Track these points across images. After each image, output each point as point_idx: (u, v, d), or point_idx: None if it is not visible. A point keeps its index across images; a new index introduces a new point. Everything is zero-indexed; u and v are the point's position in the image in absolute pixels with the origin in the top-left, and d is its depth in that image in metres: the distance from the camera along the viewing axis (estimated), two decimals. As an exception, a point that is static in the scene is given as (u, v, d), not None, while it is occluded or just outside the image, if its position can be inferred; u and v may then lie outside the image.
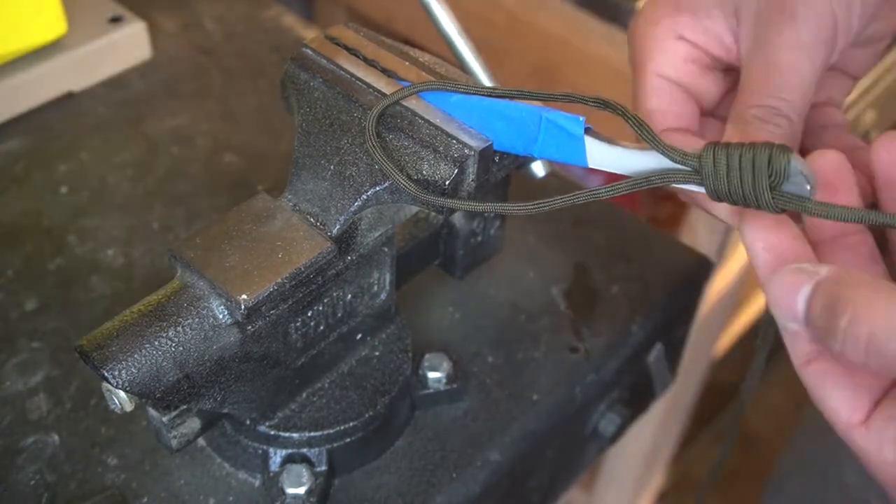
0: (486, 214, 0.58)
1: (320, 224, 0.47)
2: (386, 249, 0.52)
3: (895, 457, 0.34)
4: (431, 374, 0.58)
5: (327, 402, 0.54)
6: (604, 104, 0.41)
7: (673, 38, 0.46)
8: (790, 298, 0.35)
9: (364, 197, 0.46)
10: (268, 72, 0.83)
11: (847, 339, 0.33)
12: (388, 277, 0.54)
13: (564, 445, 0.65)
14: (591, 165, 0.42)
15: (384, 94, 0.47)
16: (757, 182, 0.37)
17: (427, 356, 0.59)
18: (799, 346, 0.37)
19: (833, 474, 0.83)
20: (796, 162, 0.37)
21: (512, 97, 0.44)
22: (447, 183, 0.44)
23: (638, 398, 0.71)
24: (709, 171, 0.38)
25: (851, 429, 0.35)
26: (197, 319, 0.44)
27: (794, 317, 0.35)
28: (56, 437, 0.56)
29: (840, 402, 0.35)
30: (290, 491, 0.52)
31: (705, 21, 0.45)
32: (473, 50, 0.56)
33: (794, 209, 0.37)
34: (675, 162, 0.39)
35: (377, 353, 0.56)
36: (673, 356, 0.72)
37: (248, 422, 0.52)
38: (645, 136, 0.39)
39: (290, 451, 0.53)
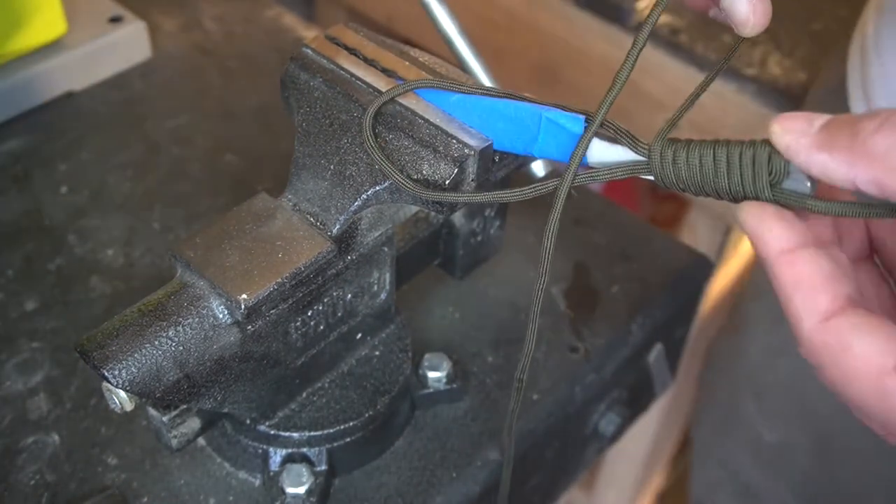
0: (486, 214, 0.58)
1: (320, 224, 0.47)
2: (386, 249, 0.52)
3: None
4: (431, 374, 0.58)
5: (327, 402, 0.54)
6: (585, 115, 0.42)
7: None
8: (805, 122, 0.34)
9: (364, 197, 0.46)
10: (268, 72, 0.83)
11: (875, 148, 0.31)
12: (388, 277, 0.54)
13: (564, 445, 0.65)
14: (592, 165, 0.42)
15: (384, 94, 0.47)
16: (757, 178, 0.37)
17: (427, 356, 0.59)
18: (780, 231, 0.36)
19: (734, 407, 0.87)
20: None
21: (501, 97, 0.45)
22: (447, 182, 0.44)
23: (638, 398, 0.71)
24: (655, 163, 0.40)
25: (885, 376, 0.33)
26: (197, 319, 0.44)
27: (806, 133, 0.34)
28: (56, 437, 0.56)
29: (871, 347, 0.33)
30: (290, 490, 0.52)
31: None
32: (473, 50, 0.56)
33: (794, 206, 0.37)
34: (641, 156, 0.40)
35: (377, 353, 0.56)
36: (673, 356, 0.72)
37: (248, 421, 0.52)
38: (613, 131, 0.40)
39: (290, 450, 0.53)
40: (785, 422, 0.83)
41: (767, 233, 0.36)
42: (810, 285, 0.35)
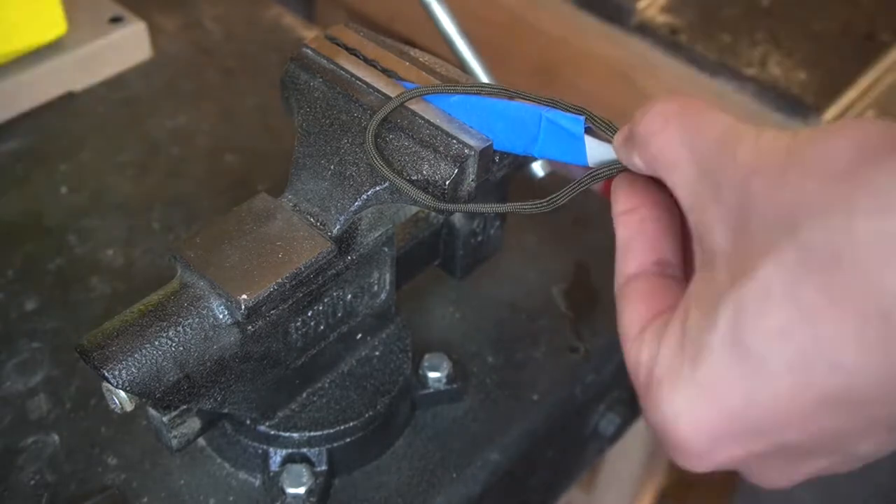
0: (486, 214, 0.58)
1: (320, 224, 0.47)
2: (386, 249, 0.52)
3: (647, 354, 0.34)
4: (431, 374, 0.58)
5: (327, 402, 0.54)
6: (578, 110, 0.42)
7: None
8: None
9: (364, 197, 0.46)
10: (268, 72, 0.83)
11: (654, 124, 0.35)
12: (388, 277, 0.54)
13: (564, 445, 0.65)
14: (591, 165, 0.42)
15: (384, 94, 0.47)
16: None
17: (427, 356, 0.59)
18: (626, 194, 0.39)
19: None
20: None
21: (503, 94, 0.45)
22: (447, 183, 0.44)
23: (638, 398, 0.70)
24: None
25: (626, 341, 0.36)
26: (197, 319, 0.44)
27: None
28: (56, 437, 0.56)
29: (628, 317, 0.37)
30: (290, 491, 0.52)
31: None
32: (473, 50, 0.56)
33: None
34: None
35: (377, 353, 0.56)
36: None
37: (248, 422, 0.52)
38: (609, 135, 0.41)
39: (290, 450, 0.53)
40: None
41: (615, 193, 0.40)
42: (626, 248, 0.39)
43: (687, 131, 0.34)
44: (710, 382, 0.31)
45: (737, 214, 0.31)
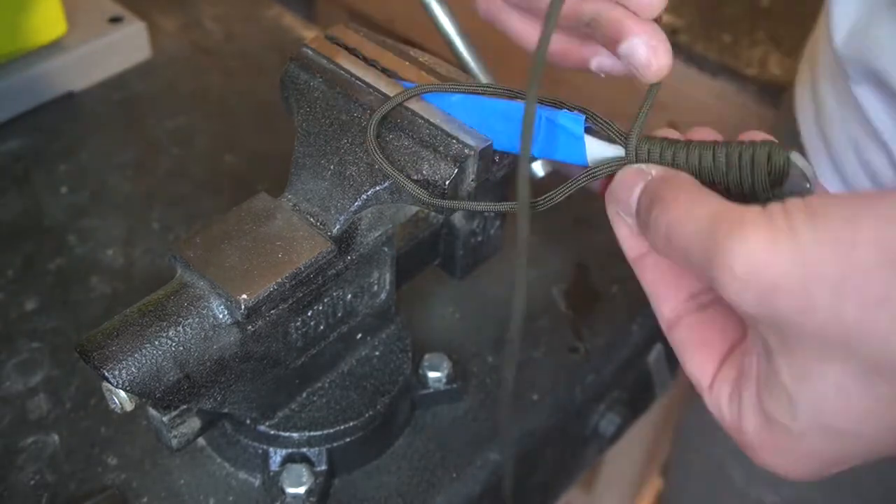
0: (485, 214, 0.58)
1: (320, 224, 0.47)
2: (386, 249, 0.52)
3: (729, 415, 0.37)
4: (431, 374, 0.58)
5: (327, 402, 0.54)
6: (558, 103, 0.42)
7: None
8: (626, 194, 0.38)
9: (364, 197, 0.46)
10: (268, 72, 0.83)
11: (652, 226, 0.36)
12: (388, 277, 0.54)
13: (564, 445, 0.65)
14: (591, 165, 0.42)
15: (384, 94, 0.47)
16: (756, 179, 0.37)
17: (427, 356, 0.59)
18: (630, 242, 0.40)
19: (719, 477, 0.84)
20: (796, 159, 0.37)
21: (503, 93, 0.45)
22: (447, 182, 0.44)
23: (638, 398, 0.70)
24: (631, 158, 0.40)
25: (704, 392, 0.38)
26: (197, 319, 0.44)
27: (629, 211, 0.38)
28: (56, 437, 0.56)
29: (695, 369, 0.39)
30: (290, 490, 0.52)
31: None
32: (473, 50, 0.56)
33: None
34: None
35: (377, 353, 0.56)
36: (673, 357, 0.72)
37: (248, 421, 0.52)
38: (613, 132, 0.41)
39: (290, 450, 0.53)
40: (788, 481, 0.79)
41: (622, 240, 0.40)
42: (654, 294, 0.40)
43: (677, 239, 0.35)
44: (806, 451, 0.35)
45: (773, 322, 0.32)
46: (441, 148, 0.44)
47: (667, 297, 0.40)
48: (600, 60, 0.49)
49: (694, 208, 0.34)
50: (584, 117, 0.42)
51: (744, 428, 0.36)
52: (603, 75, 0.49)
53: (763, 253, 0.31)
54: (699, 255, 0.34)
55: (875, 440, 0.34)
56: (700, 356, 0.38)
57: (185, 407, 0.47)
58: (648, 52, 0.43)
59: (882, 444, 0.34)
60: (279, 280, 0.45)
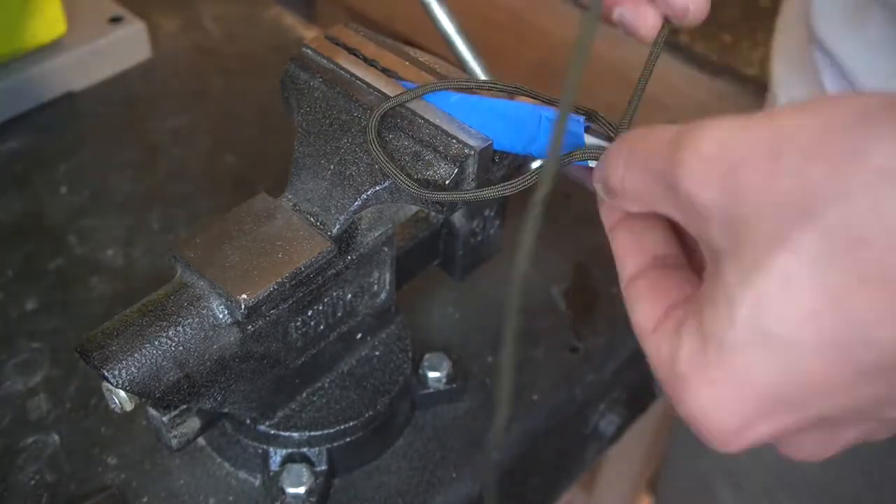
0: (485, 214, 0.58)
1: (320, 224, 0.47)
2: (386, 249, 0.52)
3: (667, 350, 0.35)
4: (431, 374, 0.58)
5: (327, 402, 0.54)
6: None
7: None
8: (600, 163, 0.38)
9: (364, 196, 0.46)
10: (268, 72, 0.83)
11: (612, 160, 0.36)
12: (388, 277, 0.54)
13: (564, 445, 0.65)
14: (591, 164, 0.42)
15: (384, 94, 0.47)
16: None
17: (427, 356, 0.59)
18: (605, 211, 0.40)
19: (707, 496, 0.83)
20: None
21: (506, 91, 0.45)
22: (447, 182, 0.44)
23: (638, 398, 0.70)
24: None
25: (644, 336, 0.37)
26: (197, 319, 0.44)
27: (600, 176, 0.38)
28: (56, 437, 0.56)
29: (641, 313, 0.37)
30: (290, 490, 0.52)
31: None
32: (473, 50, 0.56)
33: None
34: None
35: (377, 353, 0.56)
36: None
37: (248, 421, 0.52)
38: (613, 132, 0.41)
39: (290, 450, 0.53)
40: (777, 500, 0.78)
41: (601, 214, 0.41)
42: (622, 254, 0.40)
43: (640, 160, 0.34)
44: (737, 373, 0.31)
45: (728, 213, 0.31)
46: (441, 148, 0.44)
47: (632, 257, 0.39)
48: (622, 12, 0.47)
49: (655, 130, 0.34)
50: (583, 117, 0.42)
51: (678, 356, 0.34)
52: (623, 31, 0.48)
53: (733, 130, 0.31)
54: (663, 155, 0.33)
55: (810, 357, 0.30)
56: (649, 303, 0.37)
57: (184, 407, 0.47)
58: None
59: (819, 370, 0.31)
60: (279, 280, 0.45)
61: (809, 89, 0.64)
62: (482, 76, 0.56)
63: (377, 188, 0.46)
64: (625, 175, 0.35)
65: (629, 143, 0.35)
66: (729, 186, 0.31)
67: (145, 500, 0.54)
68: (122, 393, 0.43)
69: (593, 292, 0.68)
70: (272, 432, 0.52)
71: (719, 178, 0.31)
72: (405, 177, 0.44)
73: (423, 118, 0.46)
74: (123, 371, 0.42)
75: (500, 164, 0.47)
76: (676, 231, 0.40)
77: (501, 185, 0.43)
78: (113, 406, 0.45)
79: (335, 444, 0.53)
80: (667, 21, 0.45)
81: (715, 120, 0.32)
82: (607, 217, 0.40)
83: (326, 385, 0.55)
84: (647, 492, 1.38)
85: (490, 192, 0.43)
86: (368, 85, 0.48)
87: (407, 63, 0.49)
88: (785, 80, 0.69)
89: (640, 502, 1.41)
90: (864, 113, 0.29)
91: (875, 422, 0.34)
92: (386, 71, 0.49)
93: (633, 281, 0.39)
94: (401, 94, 0.46)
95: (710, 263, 0.33)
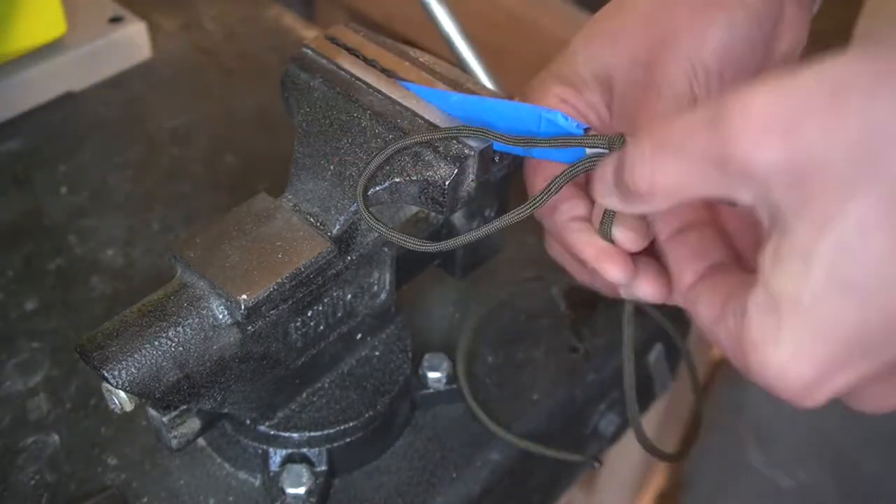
0: (485, 214, 0.58)
1: (320, 224, 0.47)
2: (386, 249, 0.52)
3: (734, 323, 0.35)
4: (431, 374, 0.58)
5: (327, 402, 0.54)
6: None
7: (558, 102, 0.48)
8: (601, 172, 0.38)
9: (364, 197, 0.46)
10: (268, 72, 0.83)
11: (634, 164, 0.35)
12: (388, 277, 0.54)
13: (564, 445, 0.65)
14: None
15: (384, 94, 0.47)
16: None
17: (427, 356, 0.59)
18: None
19: (738, 459, 0.84)
20: None
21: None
22: (447, 183, 0.44)
23: (638, 398, 0.70)
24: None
25: (712, 327, 0.37)
26: (197, 319, 0.44)
27: (607, 185, 0.38)
28: (56, 437, 0.56)
29: (704, 312, 0.38)
30: (290, 491, 0.52)
31: (585, 92, 0.48)
32: (473, 50, 0.56)
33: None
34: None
35: (377, 353, 0.56)
36: (673, 357, 0.72)
37: (248, 422, 0.52)
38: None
39: (290, 450, 0.53)
40: (803, 466, 0.81)
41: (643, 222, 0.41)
42: (678, 262, 0.41)
43: (672, 149, 0.34)
44: (818, 323, 0.32)
45: (793, 170, 0.31)
46: (441, 148, 0.44)
47: (690, 267, 0.40)
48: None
49: (678, 118, 0.34)
50: (586, 125, 0.42)
51: (748, 325, 0.34)
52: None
53: (781, 86, 0.30)
54: (702, 134, 0.32)
55: (890, 299, 0.31)
56: (709, 300, 0.38)
57: (184, 407, 0.47)
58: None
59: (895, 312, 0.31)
60: (279, 280, 0.45)
61: None
62: (482, 76, 0.56)
63: (377, 188, 0.46)
64: (654, 170, 0.34)
65: (650, 139, 0.35)
66: (792, 141, 0.30)
67: (145, 500, 0.54)
68: (122, 393, 0.43)
69: (593, 292, 0.68)
70: (272, 433, 0.52)
71: (781, 135, 0.30)
72: (391, 230, 0.44)
73: (423, 118, 0.46)
74: (123, 371, 0.42)
75: (500, 164, 0.47)
76: (725, 235, 0.41)
77: (498, 219, 0.42)
78: (113, 406, 0.45)
79: (335, 444, 0.53)
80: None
81: (754, 84, 0.31)
82: (661, 231, 0.41)
83: (326, 385, 0.55)
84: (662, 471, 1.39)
85: (491, 228, 0.43)
86: (368, 85, 0.48)
87: (407, 63, 0.49)
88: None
89: (640, 502, 1.41)
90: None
91: None
92: (386, 71, 0.49)
93: (691, 289, 0.40)
94: (388, 147, 0.45)
95: (770, 226, 0.33)
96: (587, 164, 0.41)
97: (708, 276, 0.40)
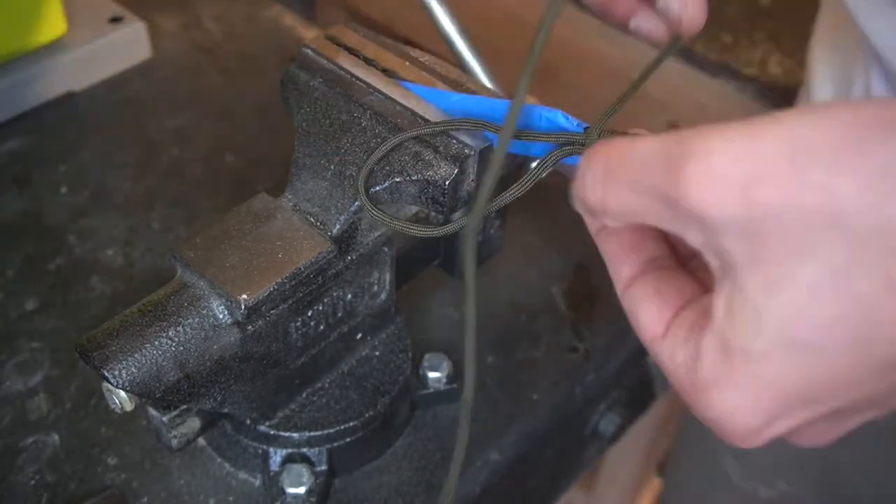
0: (486, 214, 0.58)
1: (320, 224, 0.47)
2: (386, 249, 0.52)
3: (683, 357, 0.35)
4: (431, 374, 0.58)
5: (327, 402, 0.54)
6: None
7: None
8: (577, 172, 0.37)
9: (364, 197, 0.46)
10: (268, 72, 0.83)
11: (589, 174, 0.35)
12: (388, 277, 0.54)
13: (564, 445, 0.65)
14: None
15: (384, 94, 0.47)
16: None
17: (427, 356, 0.59)
18: (588, 218, 0.39)
19: (714, 471, 0.84)
20: None
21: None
22: (447, 182, 0.44)
23: (638, 398, 0.70)
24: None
25: (654, 341, 0.37)
26: (197, 319, 0.44)
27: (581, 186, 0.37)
28: (56, 437, 0.56)
29: (647, 318, 0.37)
30: (291, 490, 0.52)
31: None
32: (473, 50, 0.56)
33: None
34: None
35: (377, 353, 0.56)
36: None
37: (248, 421, 0.52)
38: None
39: (290, 450, 0.53)
40: (782, 475, 0.80)
41: (585, 218, 0.39)
42: (613, 259, 0.39)
43: (626, 176, 0.34)
44: (764, 379, 0.32)
45: (747, 227, 0.31)
46: (441, 148, 0.44)
47: (626, 262, 0.39)
48: (638, 22, 0.48)
49: (637, 142, 0.33)
50: (586, 126, 0.42)
51: (699, 365, 0.34)
52: (640, 38, 0.49)
53: (745, 141, 0.30)
54: (657, 169, 0.32)
55: (837, 358, 0.31)
56: (654, 308, 0.37)
57: (185, 407, 0.47)
58: (680, 5, 0.43)
59: (842, 370, 0.31)
60: (279, 280, 0.45)
61: (851, 88, 0.64)
62: (482, 76, 0.56)
63: (377, 188, 0.46)
64: (605, 194, 0.34)
65: (605, 160, 0.34)
66: (748, 202, 0.30)
67: (145, 500, 0.54)
68: (122, 393, 0.43)
69: (593, 292, 0.68)
70: (272, 432, 0.52)
71: (737, 194, 0.30)
72: (396, 219, 0.44)
73: (423, 118, 0.46)
74: (123, 371, 0.42)
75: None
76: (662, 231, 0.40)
77: (497, 197, 0.42)
78: (113, 406, 0.45)
79: (335, 444, 0.53)
80: (678, 36, 0.46)
81: (717, 129, 0.31)
82: (590, 222, 0.40)
83: (326, 385, 0.55)
84: (657, 473, 1.39)
85: (485, 207, 0.42)
86: (368, 85, 0.48)
87: (407, 63, 0.49)
88: (826, 77, 0.68)
89: (640, 502, 1.41)
90: (891, 123, 0.29)
91: (883, 408, 0.35)
92: (386, 71, 0.49)
93: (630, 285, 0.39)
94: (388, 140, 0.45)
95: (720, 272, 0.33)
96: (559, 154, 0.41)
97: (649, 273, 0.38)
